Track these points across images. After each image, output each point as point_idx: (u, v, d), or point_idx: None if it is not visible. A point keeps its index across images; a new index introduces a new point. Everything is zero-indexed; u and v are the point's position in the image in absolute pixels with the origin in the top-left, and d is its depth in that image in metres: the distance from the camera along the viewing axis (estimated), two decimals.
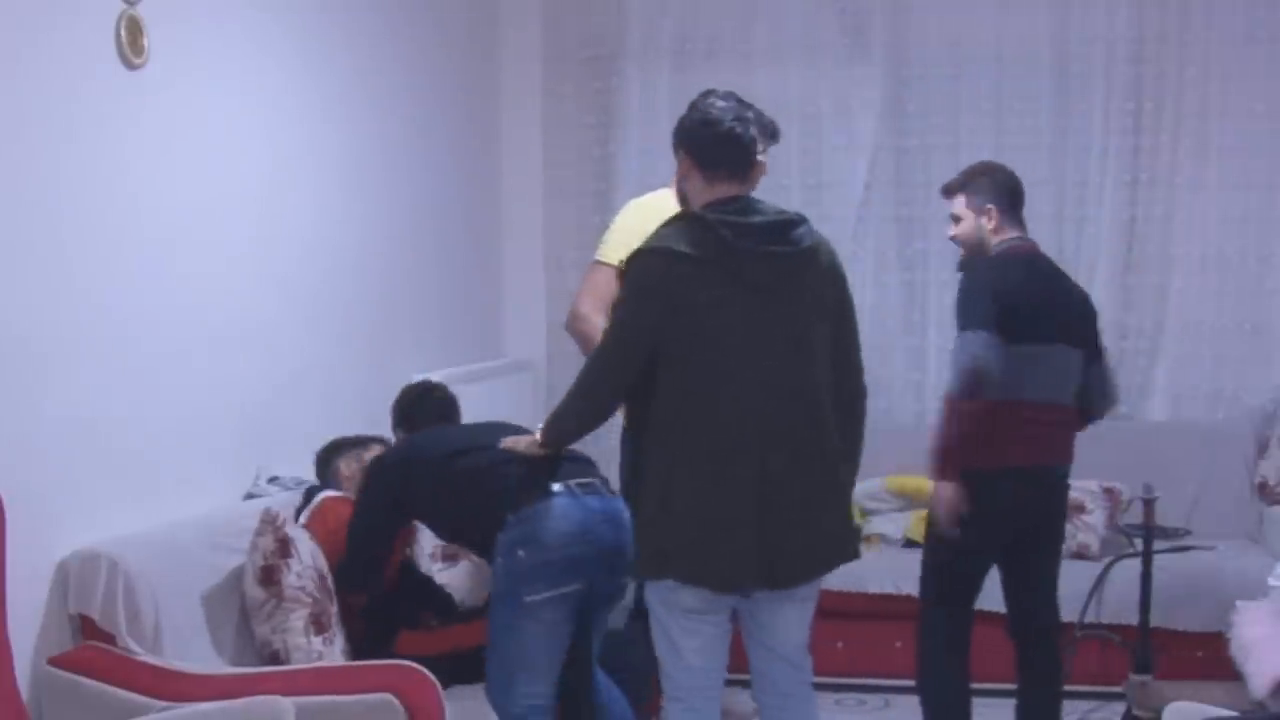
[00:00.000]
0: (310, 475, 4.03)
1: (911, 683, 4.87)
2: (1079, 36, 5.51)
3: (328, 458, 3.99)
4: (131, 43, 3.36)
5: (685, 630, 3.14)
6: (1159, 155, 5.49)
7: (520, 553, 3.32)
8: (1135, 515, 4.43)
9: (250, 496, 3.87)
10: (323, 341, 4.34)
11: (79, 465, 3.22)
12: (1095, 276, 5.49)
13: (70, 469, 3.19)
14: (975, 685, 4.66)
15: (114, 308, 3.35)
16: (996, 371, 3.71)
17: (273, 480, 3.96)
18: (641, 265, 3.08)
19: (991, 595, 4.63)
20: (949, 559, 3.97)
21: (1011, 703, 4.50)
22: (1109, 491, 5.02)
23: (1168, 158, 5.49)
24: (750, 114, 3.15)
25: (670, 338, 3.03)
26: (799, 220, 3.13)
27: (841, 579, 4.75)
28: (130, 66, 3.38)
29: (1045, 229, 5.54)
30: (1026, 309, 3.79)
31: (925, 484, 4.63)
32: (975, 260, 3.97)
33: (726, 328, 3.03)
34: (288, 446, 4.06)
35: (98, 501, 3.28)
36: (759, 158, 3.14)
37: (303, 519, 3.72)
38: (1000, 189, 3.97)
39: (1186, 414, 5.47)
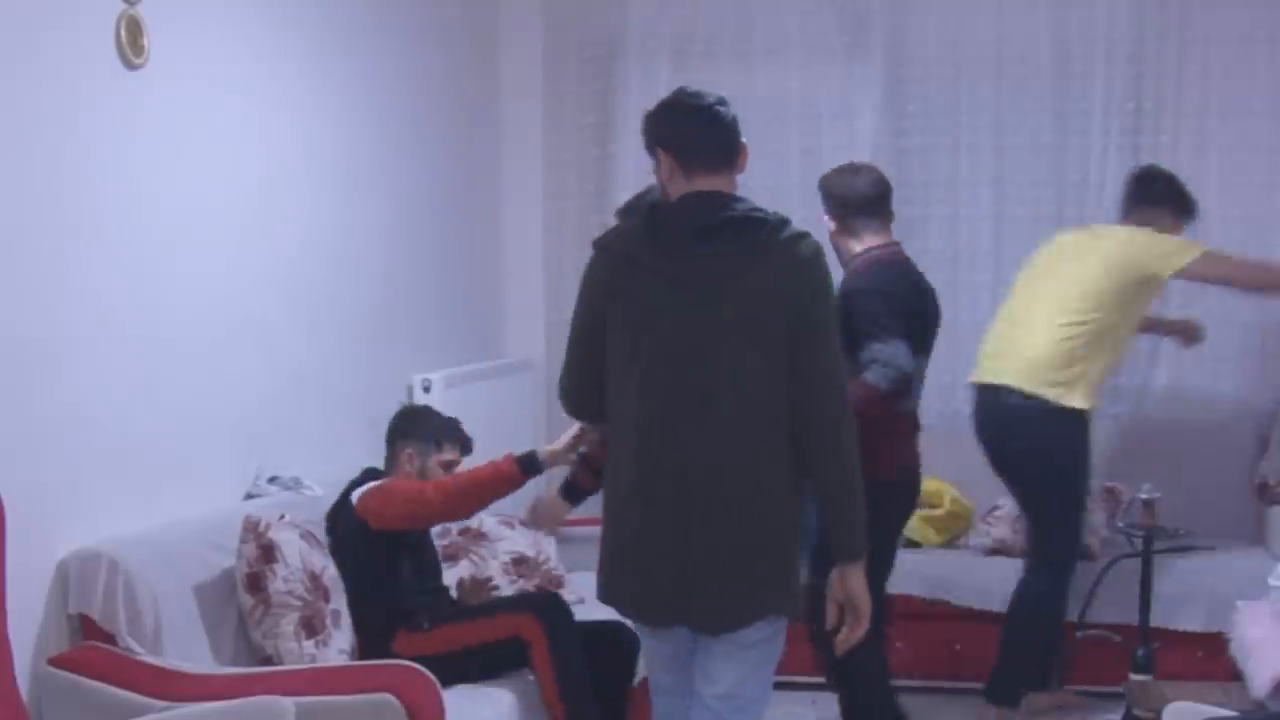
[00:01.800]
0: (309, 475, 4.03)
1: (911, 683, 4.90)
2: (1079, 36, 5.52)
3: (405, 430, 3.88)
4: (131, 43, 3.36)
5: (644, 644, 3.10)
6: (1159, 155, 5.48)
7: None
8: (1135, 515, 4.43)
9: (250, 496, 3.87)
10: (323, 342, 4.34)
11: (79, 465, 3.22)
12: None
13: (70, 469, 3.19)
14: (970, 685, 4.68)
15: (114, 307, 3.35)
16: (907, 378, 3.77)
17: (273, 480, 3.96)
18: (589, 261, 2.95)
19: (994, 595, 4.64)
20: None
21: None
22: (1109, 491, 5.02)
23: (1168, 158, 5.48)
24: (729, 106, 2.93)
25: (608, 339, 2.89)
26: (763, 221, 2.83)
27: None
28: (130, 66, 3.38)
29: (1045, 229, 5.55)
30: (918, 323, 3.83)
31: (928, 485, 4.64)
32: (863, 268, 3.86)
33: (640, 330, 2.83)
34: (288, 446, 4.06)
35: (98, 501, 3.28)
36: (744, 143, 2.94)
37: (358, 497, 3.72)
38: (835, 200, 3.91)
39: (1186, 414, 5.46)
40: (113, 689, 3.00)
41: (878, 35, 5.65)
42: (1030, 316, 4.52)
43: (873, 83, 5.65)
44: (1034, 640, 4.52)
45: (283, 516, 3.57)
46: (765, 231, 2.82)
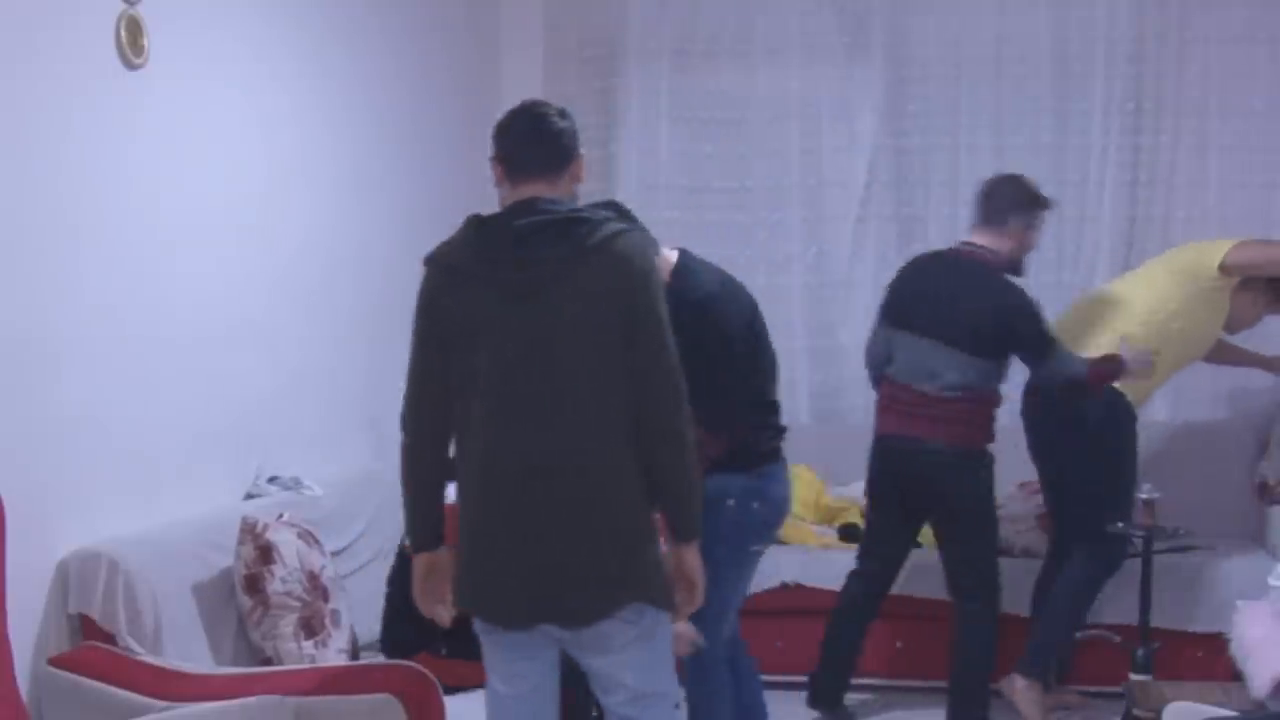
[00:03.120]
0: (309, 475, 4.03)
1: (912, 683, 4.91)
2: (1079, 36, 5.51)
3: None
4: (131, 43, 3.36)
5: (486, 652, 3.00)
6: (1159, 155, 5.49)
7: (755, 505, 3.53)
8: (1135, 515, 4.43)
9: (250, 496, 3.87)
10: (322, 341, 4.34)
11: (79, 465, 3.22)
12: (1095, 276, 5.49)
13: (70, 469, 3.19)
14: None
15: (113, 307, 3.35)
16: (874, 351, 4.53)
17: (272, 480, 3.96)
18: (423, 277, 2.95)
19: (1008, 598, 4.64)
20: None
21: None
22: None
23: (1168, 158, 5.49)
24: (568, 118, 2.94)
25: (447, 353, 2.88)
26: (585, 221, 2.83)
27: (843, 579, 4.78)
28: (130, 66, 3.38)
29: (1045, 229, 5.54)
30: (896, 300, 4.42)
31: None
32: None
33: (476, 340, 2.84)
34: (287, 447, 4.06)
35: (98, 501, 3.28)
36: (579, 154, 2.95)
37: None
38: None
39: (1186, 414, 5.46)
40: (113, 689, 3.00)
41: (878, 35, 5.65)
42: (1099, 310, 4.69)
43: (873, 83, 5.65)
44: (1051, 624, 4.61)
45: (281, 516, 3.58)
46: (586, 231, 2.82)
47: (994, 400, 4.41)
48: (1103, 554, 4.48)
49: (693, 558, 2.96)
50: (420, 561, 3.03)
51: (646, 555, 2.89)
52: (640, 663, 2.93)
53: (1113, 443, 4.49)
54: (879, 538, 4.61)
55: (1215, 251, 4.59)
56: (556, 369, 2.81)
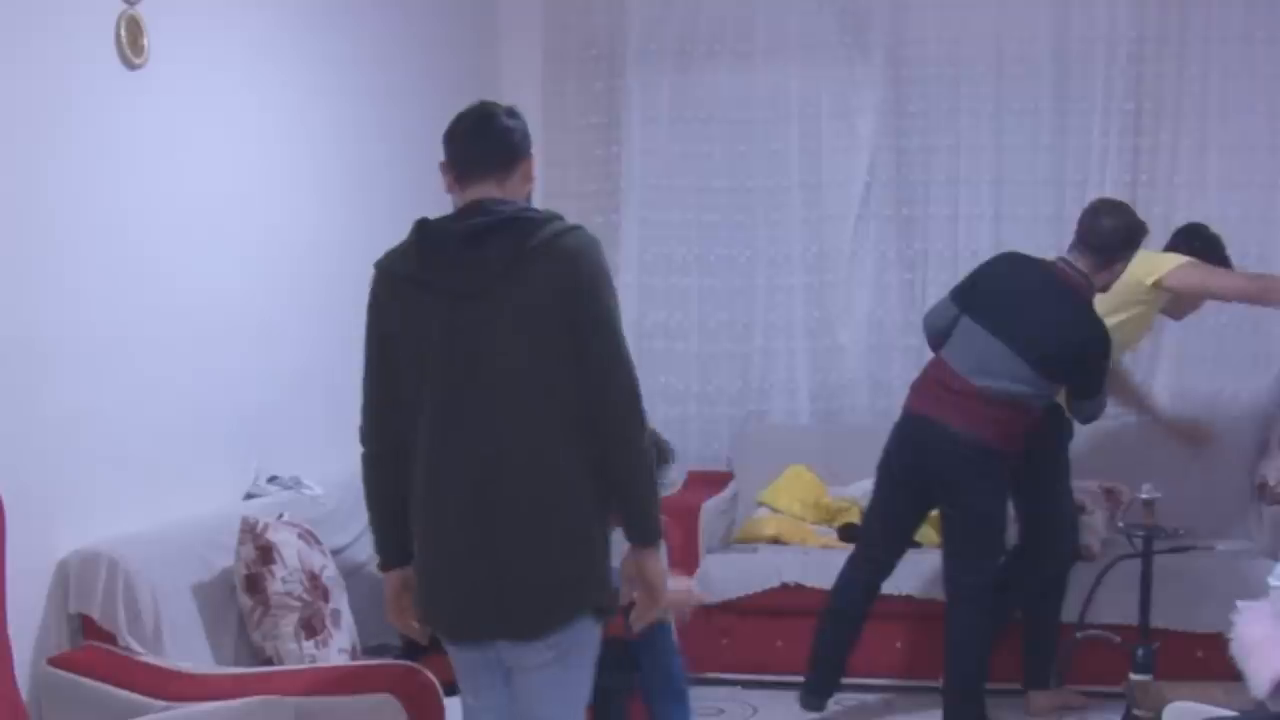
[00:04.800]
0: (309, 475, 4.03)
1: (912, 683, 4.91)
2: (1079, 36, 5.52)
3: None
4: (131, 43, 3.37)
5: (453, 664, 2.95)
6: (1159, 155, 5.49)
7: None
8: (1135, 515, 4.43)
9: (250, 496, 3.87)
10: (323, 341, 4.33)
11: (79, 465, 3.22)
12: None
13: (70, 469, 3.19)
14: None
15: (114, 307, 3.35)
16: (936, 323, 4.59)
17: (272, 480, 3.96)
18: (371, 283, 2.91)
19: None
20: None
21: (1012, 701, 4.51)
22: (1109, 492, 5.03)
23: (1168, 158, 5.49)
24: (518, 118, 2.88)
25: (397, 359, 2.84)
26: (531, 220, 2.76)
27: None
28: (130, 66, 3.38)
29: (1045, 229, 5.56)
30: (979, 290, 4.45)
31: None
32: None
33: (422, 344, 2.79)
34: (288, 446, 4.06)
35: (98, 501, 3.28)
36: (529, 154, 2.88)
37: None
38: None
39: (1186, 414, 5.46)
40: (113, 689, 3.00)
41: (878, 35, 5.65)
42: None
43: (873, 83, 5.65)
44: (1045, 634, 4.76)
45: (281, 516, 3.58)
46: (533, 229, 2.75)
47: (1033, 414, 4.41)
48: (1048, 542, 4.64)
49: (653, 563, 2.85)
50: (391, 580, 2.97)
51: (592, 565, 2.80)
52: (562, 687, 2.83)
53: (1051, 432, 4.57)
54: (883, 520, 4.65)
55: (1156, 267, 4.63)
56: (499, 371, 2.74)
